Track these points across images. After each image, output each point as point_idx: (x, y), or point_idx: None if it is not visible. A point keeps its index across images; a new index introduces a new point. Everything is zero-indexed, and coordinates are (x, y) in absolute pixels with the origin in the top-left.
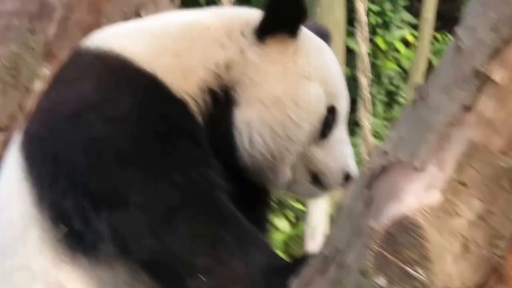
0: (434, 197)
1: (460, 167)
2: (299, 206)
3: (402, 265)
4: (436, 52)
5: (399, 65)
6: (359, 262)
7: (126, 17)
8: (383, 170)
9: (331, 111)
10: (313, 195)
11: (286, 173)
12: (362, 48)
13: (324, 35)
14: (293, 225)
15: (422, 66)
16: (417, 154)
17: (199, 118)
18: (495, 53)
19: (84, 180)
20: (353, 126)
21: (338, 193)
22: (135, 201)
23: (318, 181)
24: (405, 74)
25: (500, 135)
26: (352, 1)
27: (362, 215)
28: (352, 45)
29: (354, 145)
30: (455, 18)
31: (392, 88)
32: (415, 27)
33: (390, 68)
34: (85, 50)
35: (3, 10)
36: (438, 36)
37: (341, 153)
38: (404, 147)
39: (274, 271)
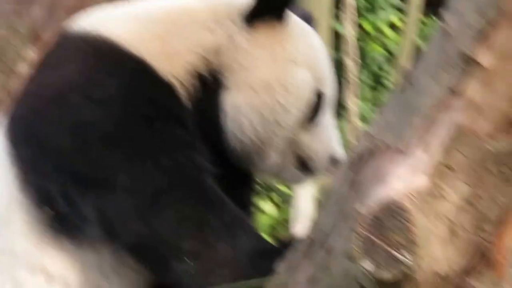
0: (421, 181)
1: (447, 151)
2: (285, 189)
3: (389, 249)
4: (423, 36)
5: (386, 49)
6: (346, 246)
7: (112, 0)
8: (370, 154)
9: (319, 96)
10: (299, 181)
11: (273, 158)
12: (349, 31)
13: (309, 20)
14: (280, 208)
15: (409, 50)
16: (404, 138)
17: (187, 102)
18: (482, 37)
19: (70, 163)
20: (340, 109)
21: (325, 177)
22: (122, 184)
23: (304, 166)
24: (392, 58)
25: (487, 119)
26: None
27: (348, 199)
28: (339, 28)
29: (341, 129)
30: (442, 2)
31: (379, 72)
32: (402, 11)
33: (377, 52)
34: (71, 34)
35: None
36: (425, 20)
37: (328, 138)
38: (391, 131)
39: (260, 255)
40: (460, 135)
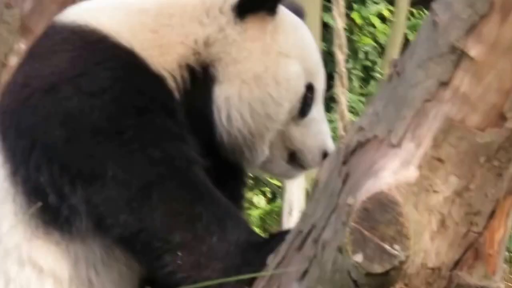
0: (411, 173)
1: (436, 143)
2: (275, 181)
3: (379, 242)
4: (412, 27)
5: (376, 40)
6: (336, 239)
7: None
8: (360, 146)
9: (310, 89)
10: (289, 175)
11: (264, 151)
12: (339, 23)
13: (298, 12)
14: (270, 200)
15: (398, 41)
16: (394, 130)
17: (177, 94)
18: (471, 29)
19: (60, 155)
20: (329, 101)
21: (316, 170)
22: (112, 175)
23: (294, 160)
24: (381, 49)
25: (476, 111)
26: None
27: (338, 191)
28: (328, 20)
29: (331, 121)
30: None
31: (368, 64)
32: (391, 2)
33: (366, 43)
34: (60, 25)
35: None
36: (415, 11)
37: (319, 131)
38: (381, 123)
39: (251, 247)
40: (450, 128)
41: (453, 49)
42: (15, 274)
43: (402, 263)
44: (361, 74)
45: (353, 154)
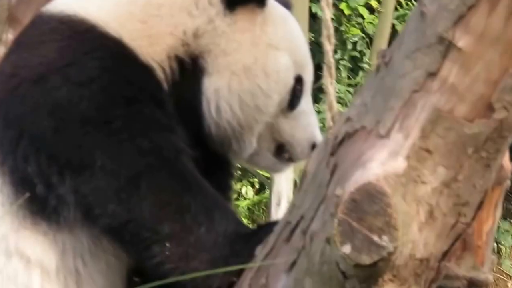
0: (399, 164)
1: (424, 134)
2: (264, 172)
3: (367, 233)
4: (401, 18)
5: (364, 31)
6: (324, 230)
7: None
8: (348, 136)
9: (299, 81)
10: (275, 168)
11: (252, 143)
12: (326, 13)
13: (286, 4)
14: (258, 191)
15: (386, 32)
16: (382, 121)
17: (166, 85)
18: (459, 19)
19: (48, 145)
20: (318, 92)
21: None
22: (100, 165)
23: (282, 153)
24: (369, 40)
25: (464, 102)
26: None
27: (326, 182)
28: (316, 10)
29: (319, 112)
30: None
31: (357, 54)
32: None
33: (354, 34)
34: (48, 15)
35: None
36: (403, 1)
37: (308, 123)
38: (369, 114)
39: (239, 238)
40: (438, 118)
41: (441, 39)
42: (2, 265)
43: (390, 254)
44: (349, 64)
45: (341, 145)
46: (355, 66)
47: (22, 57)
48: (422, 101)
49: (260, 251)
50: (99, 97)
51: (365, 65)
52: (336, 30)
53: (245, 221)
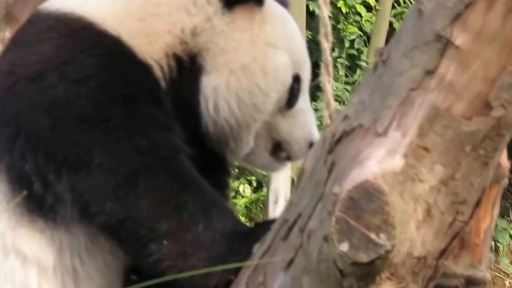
0: (396, 162)
1: (422, 132)
2: (261, 170)
3: (365, 231)
4: (398, 16)
5: (361, 29)
6: (322, 228)
7: None
8: (345, 134)
9: (296, 80)
10: (271, 167)
11: (249, 142)
12: (324, 11)
13: (283, 2)
14: (255, 189)
15: (384, 30)
16: (379, 119)
17: (164, 83)
18: (457, 17)
19: (45, 142)
20: (315, 90)
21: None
22: (98, 163)
23: (279, 152)
24: (367, 38)
25: (462, 100)
26: None
27: (324, 180)
28: (314, 8)
29: (316, 110)
30: None
31: (354, 52)
32: None
33: (352, 32)
34: (45, 13)
35: None
36: None
37: (306, 122)
38: (366, 112)
39: (236, 236)
40: (436, 116)
41: (439, 37)
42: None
43: (388, 252)
44: (346, 62)
45: (338, 143)
46: (353, 64)
47: (19, 55)
48: (419, 99)
49: (258, 249)
50: (97, 95)
51: (363, 63)
52: (334, 28)
53: (242, 219)
